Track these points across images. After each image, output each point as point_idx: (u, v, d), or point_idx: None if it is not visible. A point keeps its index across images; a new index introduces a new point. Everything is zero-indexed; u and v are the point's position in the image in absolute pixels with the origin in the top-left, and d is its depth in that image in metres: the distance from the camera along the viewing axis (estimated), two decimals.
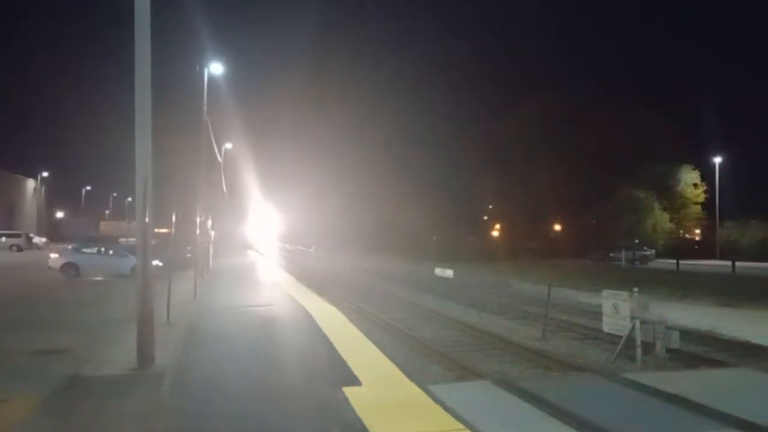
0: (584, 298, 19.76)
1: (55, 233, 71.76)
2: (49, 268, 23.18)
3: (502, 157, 58.65)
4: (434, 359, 10.90)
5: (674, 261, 39.15)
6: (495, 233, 69.36)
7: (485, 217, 72.79)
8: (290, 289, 19.31)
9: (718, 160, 55.89)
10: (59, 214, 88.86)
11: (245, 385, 7.02)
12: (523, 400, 6.31)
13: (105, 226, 69.63)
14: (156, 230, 11.44)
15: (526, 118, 57.76)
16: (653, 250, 49.34)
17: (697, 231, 61.25)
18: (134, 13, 7.83)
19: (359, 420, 5.46)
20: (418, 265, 36.61)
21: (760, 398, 6.89)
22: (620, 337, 10.42)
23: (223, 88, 28.05)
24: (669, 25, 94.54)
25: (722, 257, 46.41)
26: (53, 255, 24.18)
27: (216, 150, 30.82)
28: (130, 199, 64.75)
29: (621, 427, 5.61)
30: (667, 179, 57.41)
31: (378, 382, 7.15)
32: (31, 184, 77.27)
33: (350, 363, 7.97)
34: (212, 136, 27.41)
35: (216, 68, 23.90)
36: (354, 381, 7.04)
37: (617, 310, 10.47)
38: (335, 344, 9.41)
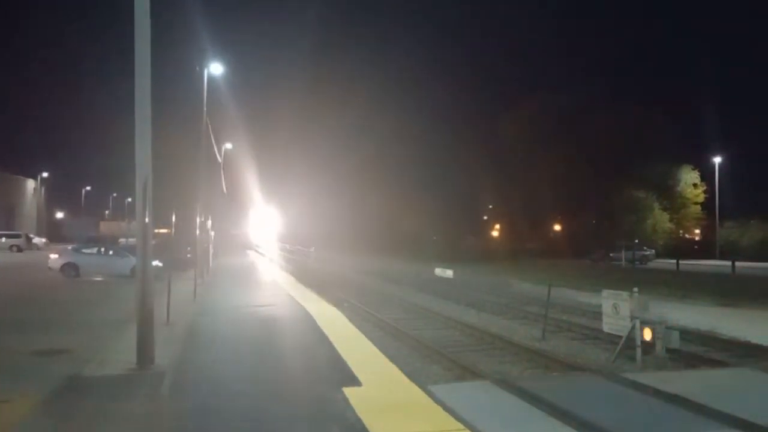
0: (584, 298, 19.77)
1: (54, 234, 71.66)
2: (49, 268, 23.19)
3: (502, 158, 58.72)
4: (434, 359, 10.90)
5: (674, 261, 39.17)
6: (495, 233, 69.40)
7: (485, 218, 72.84)
8: (290, 290, 19.31)
9: (718, 160, 55.92)
10: (59, 215, 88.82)
11: (245, 386, 7.02)
12: (523, 400, 6.31)
13: (105, 227, 69.50)
14: (156, 230, 11.45)
15: (525, 118, 57.77)
16: (653, 250, 49.34)
17: (697, 231, 61.26)
18: (134, 13, 7.84)
19: (359, 420, 5.46)
20: (418, 266, 36.58)
21: (760, 398, 6.89)
22: (620, 337, 10.42)
23: (223, 88, 28.05)
24: (669, 25, 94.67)
25: (722, 257, 46.41)
26: (53, 255, 24.19)
27: (216, 150, 30.82)
28: (130, 199, 64.77)
29: (621, 427, 5.61)
30: (667, 179, 57.40)
31: (378, 382, 7.15)
32: (31, 184, 77.29)
33: (350, 363, 7.97)
34: (212, 137, 27.41)
35: (216, 68, 23.90)
36: (354, 381, 7.04)
37: (617, 310, 10.47)
38: (335, 344, 9.41)
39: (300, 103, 73.82)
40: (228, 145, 37.94)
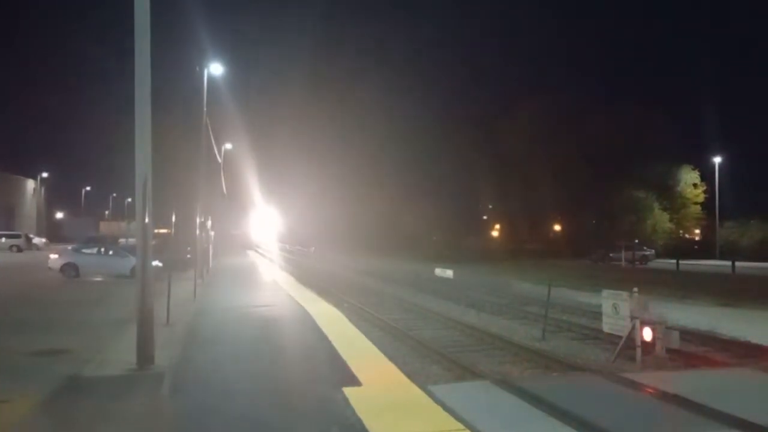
0: (584, 298, 19.76)
1: (54, 234, 71.77)
2: (49, 268, 23.20)
3: (501, 158, 58.67)
4: (434, 359, 10.89)
5: (674, 261, 39.20)
6: (495, 233, 69.39)
7: (485, 217, 72.85)
8: (290, 290, 19.30)
9: (717, 160, 55.93)
10: (59, 215, 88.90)
11: (245, 386, 7.02)
12: (523, 400, 6.30)
13: (105, 227, 69.43)
14: (156, 230, 11.46)
15: (525, 118, 57.79)
16: (653, 250, 49.33)
17: (697, 231, 61.28)
18: (134, 13, 7.84)
19: (359, 420, 5.46)
20: (418, 266, 36.60)
21: (760, 398, 6.88)
22: (620, 337, 10.42)
23: (223, 88, 28.07)
24: (669, 25, 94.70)
25: (722, 257, 46.44)
26: (53, 255, 24.20)
27: (216, 150, 30.84)
28: (130, 199, 64.68)
29: (621, 427, 5.60)
30: (667, 179, 57.43)
31: (378, 382, 7.15)
32: (30, 184, 77.29)
33: (350, 363, 7.97)
34: (212, 137, 27.42)
35: (216, 69, 23.92)
36: (354, 381, 7.03)
37: (617, 310, 10.47)
38: (335, 344, 9.41)
39: (300, 103, 73.84)
40: (228, 146, 37.99)
